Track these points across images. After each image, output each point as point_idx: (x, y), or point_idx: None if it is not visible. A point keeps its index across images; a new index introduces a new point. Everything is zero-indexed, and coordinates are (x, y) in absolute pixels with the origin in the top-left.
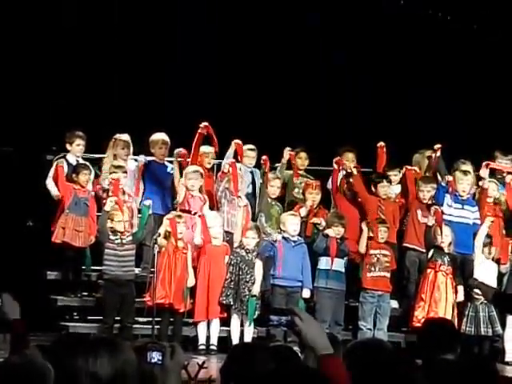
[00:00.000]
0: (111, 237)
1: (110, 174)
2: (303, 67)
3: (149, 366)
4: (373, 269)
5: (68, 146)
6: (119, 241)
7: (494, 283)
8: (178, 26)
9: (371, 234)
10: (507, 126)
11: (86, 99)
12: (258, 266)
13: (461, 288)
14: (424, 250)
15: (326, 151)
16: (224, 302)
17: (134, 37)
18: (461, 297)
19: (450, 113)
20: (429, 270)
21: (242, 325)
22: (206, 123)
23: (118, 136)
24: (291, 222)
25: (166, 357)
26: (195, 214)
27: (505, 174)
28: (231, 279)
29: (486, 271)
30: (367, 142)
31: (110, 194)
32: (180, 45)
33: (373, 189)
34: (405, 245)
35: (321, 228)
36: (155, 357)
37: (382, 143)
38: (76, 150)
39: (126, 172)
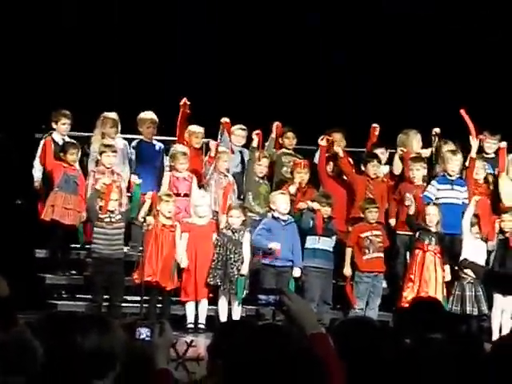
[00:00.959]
0: (100, 215)
1: (100, 153)
2: (303, 67)
3: (137, 343)
4: (367, 251)
5: (53, 125)
6: (108, 219)
7: (482, 262)
8: (178, 22)
9: (361, 215)
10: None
11: (86, 91)
12: (246, 244)
13: (447, 267)
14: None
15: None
16: (212, 282)
17: (134, 26)
18: (448, 276)
19: (450, 113)
20: (417, 251)
21: (229, 303)
22: (184, 99)
23: (105, 114)
24: (281, 201)
25: (155, 333)
26: (185, 195)
27: (487, 144)
28: (218, 260)
29: (474, 250)
30: (366, 142)
31: (98, 176)
32: (180, 42)
33: (363, 168)
34: (397, 232)
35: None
36: (144, 333)
37: (375, 125)
38: (61, 128)
39: (115, 151)
